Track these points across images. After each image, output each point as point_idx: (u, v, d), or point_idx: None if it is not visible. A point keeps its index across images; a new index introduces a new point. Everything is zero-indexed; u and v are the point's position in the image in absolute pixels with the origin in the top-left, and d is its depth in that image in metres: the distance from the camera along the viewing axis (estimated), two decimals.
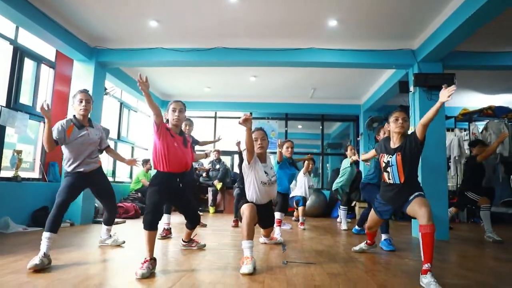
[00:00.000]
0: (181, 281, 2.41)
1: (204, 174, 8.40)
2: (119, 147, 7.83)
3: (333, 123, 10.82)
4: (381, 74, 7.02)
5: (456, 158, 7.62)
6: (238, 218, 5.64)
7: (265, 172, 3.27)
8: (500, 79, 7.04)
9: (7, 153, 4.88)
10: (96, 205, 6.05)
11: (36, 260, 2.57)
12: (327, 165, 10.14)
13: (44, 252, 2.68)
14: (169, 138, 2.97)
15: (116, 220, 5.42)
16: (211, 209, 8.35)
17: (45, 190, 5.30)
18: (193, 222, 3.41)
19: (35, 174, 5.47)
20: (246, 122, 2.89)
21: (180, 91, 8.78)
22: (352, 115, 9.44)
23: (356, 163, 6.14)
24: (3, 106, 4.70)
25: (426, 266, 2.47)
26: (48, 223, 2.85)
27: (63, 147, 3.23)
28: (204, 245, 3.71)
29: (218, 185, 8.24)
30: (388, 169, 2.95)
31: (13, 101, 4.89)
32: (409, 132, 2.98)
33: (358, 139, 9.06)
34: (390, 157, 2.93)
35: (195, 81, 7.96)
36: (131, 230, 4.93)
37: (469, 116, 7.89)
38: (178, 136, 3.08)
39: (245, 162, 3.22)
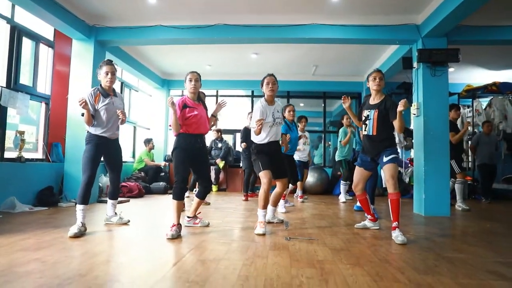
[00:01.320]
0: (185, 257, 2.45)
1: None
2: (120, 127, 7.81)
3: (335, 101, 10.73)
4: (384, 50, 6.91)
5: None
6: (248, 192, 6.74)
7: (272, 114, 3.59)
8: (506, 55, 6.93)
9: (10, 134, 4.89)
10: (100, 184, 6.11)
11: (75, 229, 3.08)
12: (329, 142, 10.13)
13: (81, 222, 3.19)
14: (188, 110, 3.34)
15: (120, 199, 5.50)
16: (214, 188, 8.43)
17: (49, 171, 5.34)
18: (206, 187, 3.57)
19: (39, 155, 5.49)
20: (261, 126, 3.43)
21: (180, 69, 8.70)
22: (354, 92, 9.34)
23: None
24: (3, 87, 4.68)
25: (394, 224, 3.22)
26: (80, 197, 3.28)
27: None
28: (208, 224, 3.77)
29: (221, 164, 8.28)
30: (367, 122, 3.44)
31: (13, 82, 4.86)
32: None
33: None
34: (369, 111, 3.44)
35: (196, 59, 7.87)
36: (135, 209, 5.00)
37: (472, 93, 7.80)
38: (195, 103, 3.44)
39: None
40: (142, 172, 7.60)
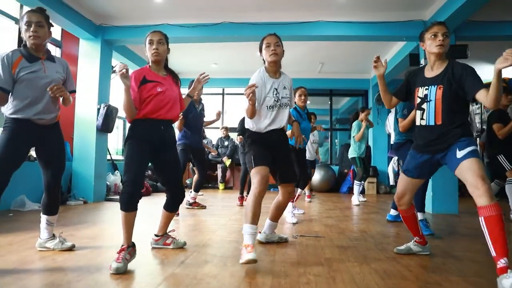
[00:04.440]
0: (193, 256, 2.47)
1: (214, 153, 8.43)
2: (127, 125, 7.87)
3: (342, 98, 10.70)
4: (391, 47, 6.86)
5: None
6: (245, 195, 5.36)
7: (275, 90, 2.54)
8: None
9: None
10: (108, 183, 6.16)
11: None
12: (336, 140, 10.11)
13: None
14: (149, 86, 2.35)
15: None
16: (221, 186, 8.46)
17: None
18: (176, 195, 2.56)
19: None
20: (253, 96, 2.30)
21: (186, 67, 8.71)
22: (361, 90, 9.30)
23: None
24: None
25: (501, 262, 1.78)
26: None
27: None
28: (184, 243, 2.69)
29: (227, 162, 8.29)
30: (424, 105, 2.24)
31: None
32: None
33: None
34: (427, 89, 2.23)
35: (202, 58, 7.88)
36: (143, 207, 5.02)
37: None
38: (161, 76, 2.48)
39: None
40: (149, 170, 7.64)
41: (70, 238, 2.87)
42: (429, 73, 2.29)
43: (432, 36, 2.23)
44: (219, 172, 8.47)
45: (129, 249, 2.15)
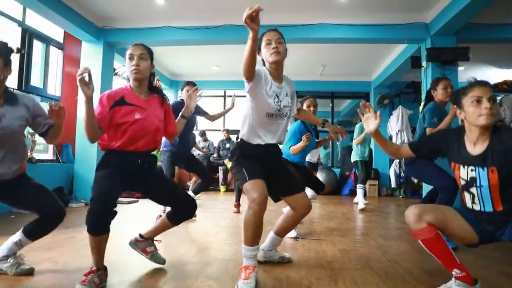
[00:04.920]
0: (196, 257, 2.47)
1: (215, 154, 8.44)
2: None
3: (343, 101, 10.70)
4: (392, 49, 6.85)
5: None
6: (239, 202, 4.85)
7: (276, 97, 2.11)
8: None
9: None
10: None
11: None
12: (337, 143, 10.08)
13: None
14: (124, 110, 1.99)
15: (129, 199, 5.54)
16: (222, 188, 8.45)
17: (59, 171, 5.41)
18: (185, 210, 2.20)
19: (49, 156, 5.57)
20: (253, 21, 1.71)
21: (188, 70, 8.74)
22: (362, 92, 9.30)
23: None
24: (15, 89, 4.72)
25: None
26: None
27: None
28: (164, 262, 2.26)
29: (229, 164, 8.28)
30: (473, 190, 1.76)
31: (24, 84, 4.94)
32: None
33: None
34: (473, 171, 1.74)
35: (203, 60, 7.90)
36: (144, 209, 5.03)
37: None
38: (142, 98, 2.09)
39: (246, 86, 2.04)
40: None
41: (72, 241, 2.88)
42: (471, 148, 1.77)
43: (475, 102, 1.70)
44: (220, 175, 8.47)
45: (99, 272, 1.84)
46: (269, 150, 2.17)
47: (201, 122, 9.43)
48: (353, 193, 7.86)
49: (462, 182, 1.80)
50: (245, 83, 2.01)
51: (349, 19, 5.45)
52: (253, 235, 1.93)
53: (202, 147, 8.37)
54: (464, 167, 1.78)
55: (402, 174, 7.76)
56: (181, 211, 2.19)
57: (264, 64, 2.20)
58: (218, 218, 4.29)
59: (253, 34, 1.76)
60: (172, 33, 5.78)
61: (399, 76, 7.45)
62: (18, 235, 2.06)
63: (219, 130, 8.64)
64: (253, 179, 1.98)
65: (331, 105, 9.62)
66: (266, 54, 2.13)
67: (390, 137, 7.83)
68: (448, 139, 1.86)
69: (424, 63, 5.37)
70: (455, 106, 1.84)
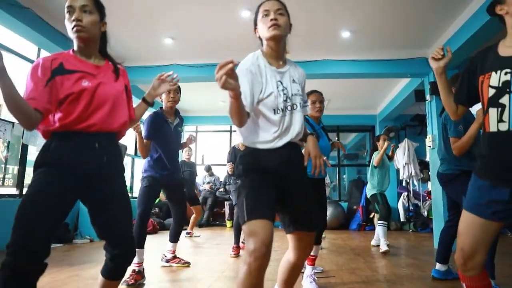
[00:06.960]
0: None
1: (221, 189, 8.40)
2: (136, 163, 7.94)
3: (349, 134, 10.74)
4: (396, 83, 6.96)
5: None
6: (241, 242, 4.18)
7: (279, 84, 1.61)
8: None
9: (29, 171, 5.02)
10: None
11: None
12: (344, 176, 10.02)
13: None
14: (67, 79, 1.45)
15: None
16: (228, 223, 8.32)
17: None
18: (119, 259, 1.51)
19: None
20: (232, 77, 1.23)
21: (195, 106, 8.90)
22: (368, 126, 9.36)
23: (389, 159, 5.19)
24: None
25: None
26: None
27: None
28: None
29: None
30: (504, 99, 1.39)
31: None
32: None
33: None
34: (507, 73, 1.40)
35: (210, 96, 8.07)
36: (149, 245, 4.95)
37: None
38: (91, 63, 1.56)
39: None
40: (156, 208, 7.60)
41: (76, 279, 2.83)
42: (507, 50, 1.46)
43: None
44: (226, 210, 8.38)
45: None
46: (285, 156, 1.55)
47: (207, 157, 9.49)
48: (361, 227, 7.72)
49: (491, 93, 1.43)
50: None
51: (353, 55, 5.59)
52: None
53: (208, 182, 8.36)
54: (496, 72, 1.42)
55: (411, 207, 7.62)
56: (114, 259, 1.48)
57: (261, 44, 1.72)
58: (224, 254, 4.18)
59: (235, 93, 1.34)
60: (179, 70, 5.94)
61: (404, 109, 7.51)
62: None
63: (224, 165, 8.65)
64: (255, 220, 1.38)
65: (336, 138, 9.65)
66: (263, 29, 1.62)
67: (397, 170, 7.77)
68: (481, 54, 1.59)
69: (428, 97, 5.42)
70: (498, 5, 1.57)
